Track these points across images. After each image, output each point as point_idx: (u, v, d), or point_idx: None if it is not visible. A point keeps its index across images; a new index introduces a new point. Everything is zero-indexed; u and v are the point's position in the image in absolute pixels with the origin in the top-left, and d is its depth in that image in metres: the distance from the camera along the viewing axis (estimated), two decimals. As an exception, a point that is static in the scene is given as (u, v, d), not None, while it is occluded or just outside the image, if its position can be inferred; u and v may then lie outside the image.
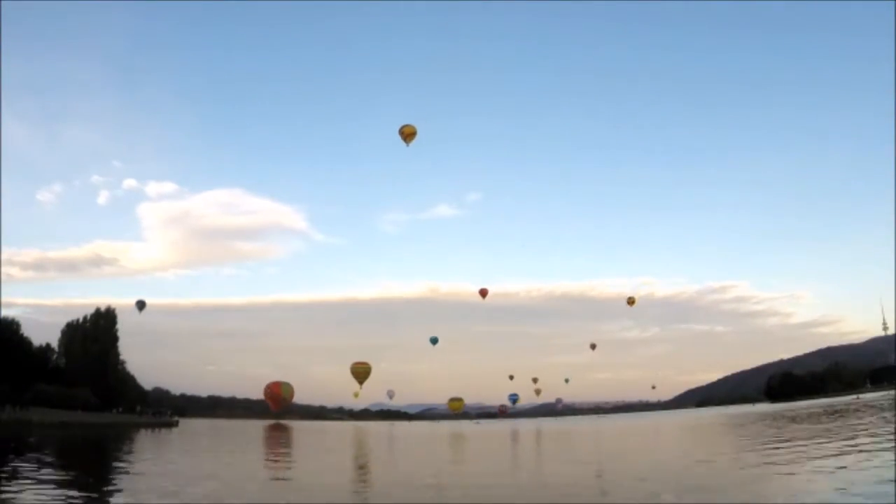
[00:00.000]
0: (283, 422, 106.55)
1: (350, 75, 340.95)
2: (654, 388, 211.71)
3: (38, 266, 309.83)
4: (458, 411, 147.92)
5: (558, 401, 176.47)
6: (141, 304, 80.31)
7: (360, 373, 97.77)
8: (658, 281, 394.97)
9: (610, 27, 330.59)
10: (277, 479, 14.89)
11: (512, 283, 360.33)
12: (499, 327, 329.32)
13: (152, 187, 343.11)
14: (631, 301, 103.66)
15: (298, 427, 74.09)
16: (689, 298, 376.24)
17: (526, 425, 78.59)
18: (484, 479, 13.71)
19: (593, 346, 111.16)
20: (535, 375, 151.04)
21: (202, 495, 11.03)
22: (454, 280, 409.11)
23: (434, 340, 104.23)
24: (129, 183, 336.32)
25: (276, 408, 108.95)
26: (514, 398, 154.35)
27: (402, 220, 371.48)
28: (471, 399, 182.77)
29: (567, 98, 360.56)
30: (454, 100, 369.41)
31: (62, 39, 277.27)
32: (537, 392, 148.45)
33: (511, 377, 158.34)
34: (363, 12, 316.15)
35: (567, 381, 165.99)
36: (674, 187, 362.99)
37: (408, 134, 42.41)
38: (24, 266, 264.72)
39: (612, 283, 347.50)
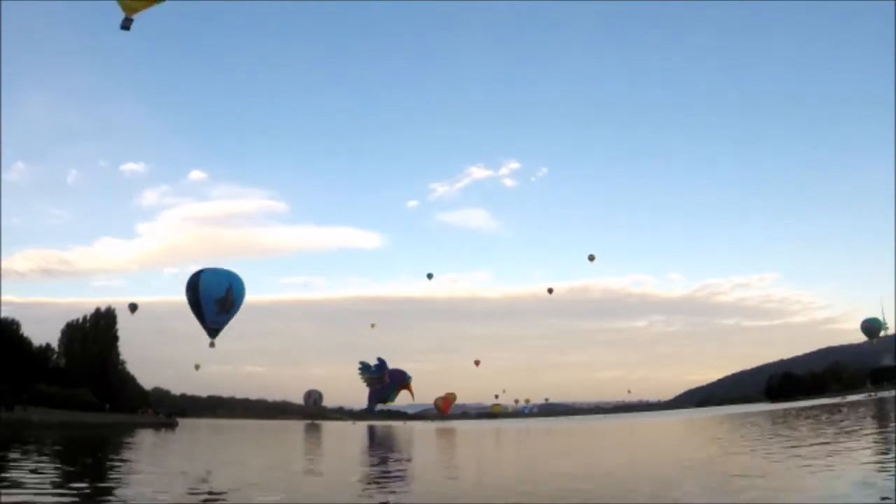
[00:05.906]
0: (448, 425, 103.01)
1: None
2: (629, 391, 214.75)
3: (31, 262, 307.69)
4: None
5: (516, 402, 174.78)
6: (133, 307, 79.63)
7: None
8: (683, 278, 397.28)
9: (650, 32, 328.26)
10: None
11: (530, 281, 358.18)
12: (510, 325, 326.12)
13: (143, 176, 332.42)
14: (591, 258, 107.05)
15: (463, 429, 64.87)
16: (704, 296, 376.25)
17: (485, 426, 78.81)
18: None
19: (591, 258, 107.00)
20: (545, 373, 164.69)
21: None
22: (471, 276, 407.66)
23: (430, 276, 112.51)
24: (113, 168, 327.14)
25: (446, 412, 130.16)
26: (527, 408, 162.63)
27: (411, 214, 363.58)
28: (471, 399, 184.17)
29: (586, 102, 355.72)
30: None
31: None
32: (516, 401, 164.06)
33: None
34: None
35: (547, 400, 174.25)
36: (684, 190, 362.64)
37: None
38: (13, 261, 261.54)
39: (636, 280, 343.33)
